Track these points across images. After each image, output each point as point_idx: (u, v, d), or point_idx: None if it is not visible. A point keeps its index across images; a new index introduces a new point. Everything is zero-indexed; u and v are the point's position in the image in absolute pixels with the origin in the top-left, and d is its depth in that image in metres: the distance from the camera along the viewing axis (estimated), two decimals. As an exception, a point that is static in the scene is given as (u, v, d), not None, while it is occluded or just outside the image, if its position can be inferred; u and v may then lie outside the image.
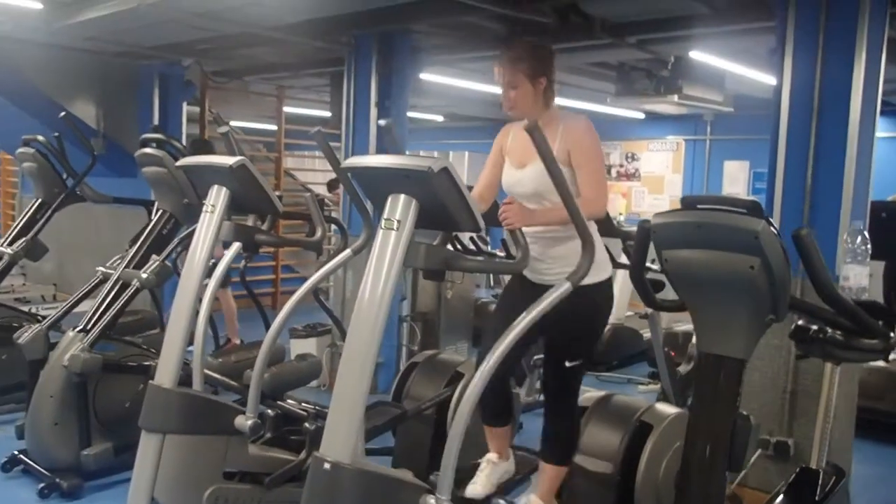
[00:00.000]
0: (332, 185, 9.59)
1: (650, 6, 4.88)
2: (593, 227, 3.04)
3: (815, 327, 2.50)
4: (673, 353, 5.32)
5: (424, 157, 2.43)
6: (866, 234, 2.69)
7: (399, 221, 2.43)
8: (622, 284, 7.35)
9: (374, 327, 2.42)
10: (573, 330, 3.01)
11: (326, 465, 2.35)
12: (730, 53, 6.05)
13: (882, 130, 7.77)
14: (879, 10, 3.76)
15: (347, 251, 3.33)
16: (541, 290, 3.10)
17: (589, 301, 2.94)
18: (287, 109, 9.95)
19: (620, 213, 10.20)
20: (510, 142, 3.21)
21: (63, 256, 8.80)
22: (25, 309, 5.98)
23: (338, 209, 7.77)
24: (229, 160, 3.12)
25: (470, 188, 3.15)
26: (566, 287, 2.44)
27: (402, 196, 2.44)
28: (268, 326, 4.93)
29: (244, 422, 3.26)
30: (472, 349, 6.54)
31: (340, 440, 2.39)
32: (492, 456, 3.33)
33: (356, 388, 2.42)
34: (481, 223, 2.51)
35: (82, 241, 8.65)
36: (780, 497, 2.80)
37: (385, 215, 2.46)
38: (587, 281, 2.95)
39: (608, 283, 3.10)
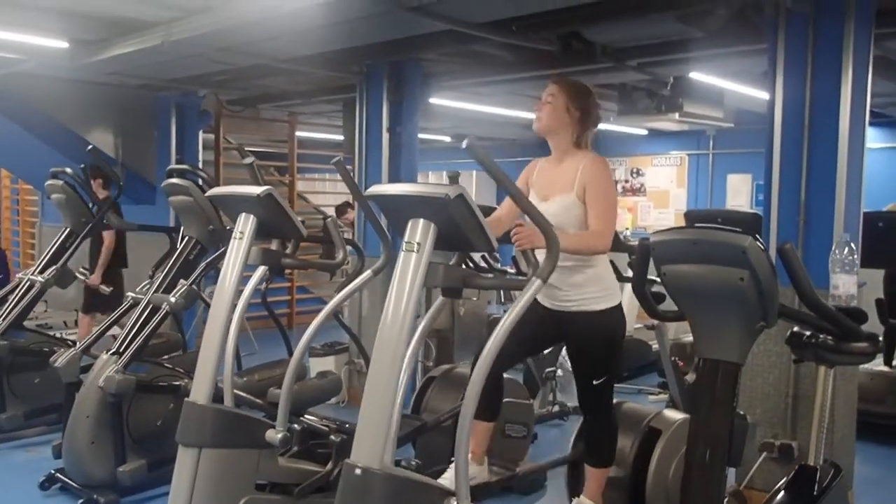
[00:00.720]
0: (340, 211, 9.83)
1: (648, 32, 5.09)
2: (603, 257, 3.27)
3: (808, 333, 2.70)
4: (682, 363, 5.47)
5: (441, 185, 2.64)
6: (853, 245, 2.88)
7: (419, 244, 2.64)
8: (630, 298, 7.54)
9: (398, 342, 2.62)
10: (594, 353, 3.27)
11: (357, 471, 2.55)
12: (727, 73, 6.27)
13: (875, 141, 7.99)
14: (864, 30, 3.96)
15: (368, 272, 3.52)
16: (557, 315, 3.32)
17: (604, 326, 3.25)
18: (298, 134, 10.21)
19: (627, 228, 10.37)
20: (535, 175, 3.42)
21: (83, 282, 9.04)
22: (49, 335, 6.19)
23: (350, 231, 7.99)
24: (256, 190, 3.34)
25: (489, 210, 3.38)
26: (538, 284, 2.55)
27: (422, 220, 2.65)
28: (288, 345, 5.15)
29: (275, 435, 3.42)
30: (485, 364, 6.71)
31: (369, 448, 2.59)
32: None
33: (383, 399, 2.62)
34: (494, 244, 2.73)
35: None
36: (781, 494, 2.97)
37: (406, 238, 2.67)
38: (601, 307, 3.22)
39: (619, 307, 3.34)
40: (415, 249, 2.64)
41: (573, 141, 3.27)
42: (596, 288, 3.24)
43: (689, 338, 6.83)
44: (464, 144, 2.56)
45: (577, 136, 3.26)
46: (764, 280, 2.22)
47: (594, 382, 3.25)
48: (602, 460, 3.41)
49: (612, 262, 3.51)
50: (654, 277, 2.99)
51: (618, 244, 4.22)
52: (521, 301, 2.58)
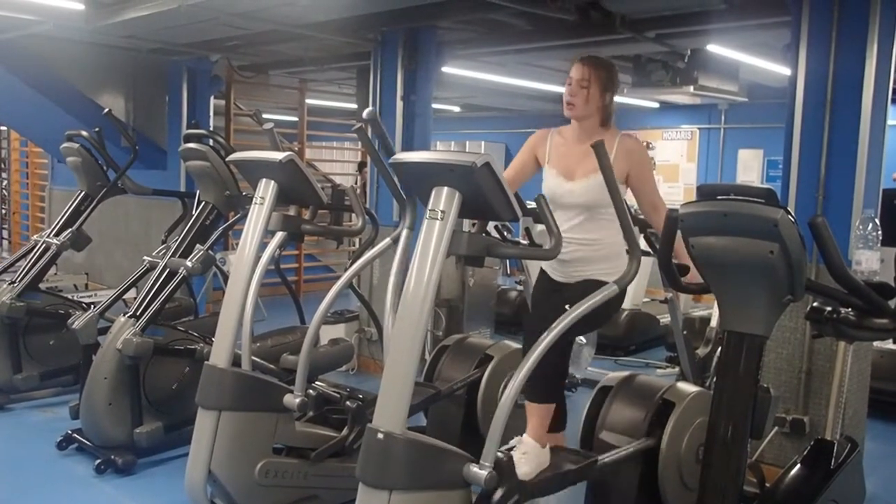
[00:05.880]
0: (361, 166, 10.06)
1: (669, 3, 5.04)
2: (619, 235, 3.25)
3: (829, 308, 2.70)
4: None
5: (466, 153, 2.63)
6: (877, 221, 2.88)
7: (443, 212, 2.64)
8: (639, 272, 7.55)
9: (421, 310, 2.63)
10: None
11: (380, 436, 2.58)
12: (746, 46, 6.21)
13: (893, 118, 7.94)
14: (890, 5, 3.92)
15: (387, 240, 3.53)
16: (567, 286, 3.30)
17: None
18: (308, 101, 10.16)
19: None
20: (550, 149, 3.35)
21: (93, 246, 9.05)
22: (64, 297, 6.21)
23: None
24: (278, 155, 3.34)
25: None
26: (613, 289, 2.70)
27: (446, 188, 2.64)
28: (300, 313, 5.18)
29: (293, 400, 3.46)
30: (494, 335, 6.74)
31: (391, 413, 2.62)
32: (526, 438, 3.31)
33: (405, 366, 2.64)
34: (519, 213, 2.73)
35: (112, 232, 8.91)
36: (798, 467, 3.00)
37: (430, 206, 2.67)
38: (612, 278, 3.15)
39: None
40: (439, 217, 2.65)
41: (601, 122, 3.25)
42: (612, 264, 3.21)
43: (698, 313, 6.91)
44: (592, 144, 2.67)
45: (606, 117, 3.25)
46: (794, 253, 2.23)
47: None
48: (547, 396, 3.31)
49: None
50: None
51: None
52: (590, 302, 2.70)
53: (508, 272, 9.97)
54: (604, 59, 3.32)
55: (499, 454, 2.70)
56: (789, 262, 2.25)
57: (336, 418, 3.93)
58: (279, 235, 3.73)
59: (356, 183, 11.28)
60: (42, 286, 5.63)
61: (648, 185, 3.27)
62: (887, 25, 3.93)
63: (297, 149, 10.12)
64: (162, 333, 4.44)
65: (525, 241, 5.75)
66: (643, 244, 4.52)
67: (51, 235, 5.40)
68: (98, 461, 4.21)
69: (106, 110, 5.37)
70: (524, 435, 3.29)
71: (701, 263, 2.53)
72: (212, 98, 8.37)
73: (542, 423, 3.29)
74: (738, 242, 2.33)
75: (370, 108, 3.38)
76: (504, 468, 2.67)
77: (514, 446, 3.27)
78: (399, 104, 6.08)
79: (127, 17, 5.37)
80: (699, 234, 2.46)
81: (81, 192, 5.52)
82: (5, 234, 13.30)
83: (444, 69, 6.94)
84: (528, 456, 3.16)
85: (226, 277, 5.31)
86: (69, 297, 6.09)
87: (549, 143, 3.37)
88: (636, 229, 3.77)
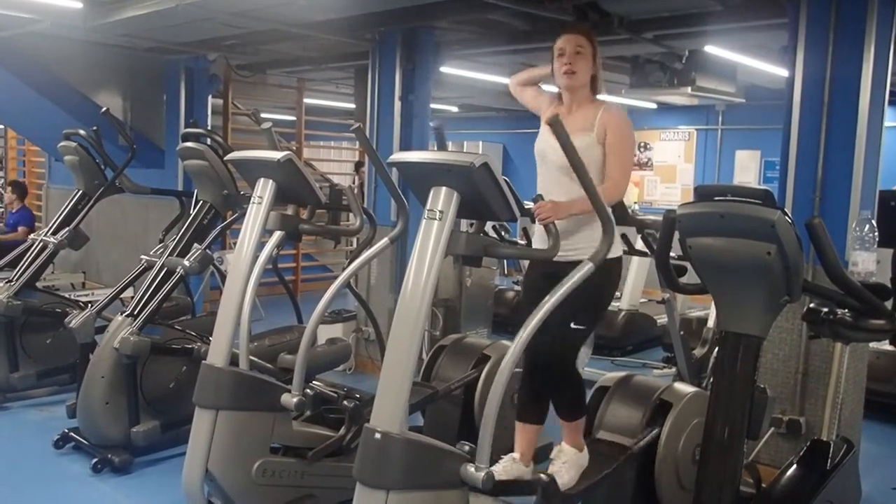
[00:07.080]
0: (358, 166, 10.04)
1: (666, 4, 5.05)
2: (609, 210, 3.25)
3: (825, 309, 2.71)
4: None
5: (466, 153, 2.64)
6: (874, 222, 2.88)
7: (441, 212, 2.64)
8: (637, 272, 7.57)
9: (419, 310, 2.63)
10: (583, 298, 3.04)
11: (377, 435, 2.58)
12: (743, 48, 6.22)
13: (891, 121, 7.96)
14: (887, 7, 3.93)
15: (385, 240, 3.54)
16: (558, 265, 3.28)
17: (600, 274, 3.02)
18: (306, 100, 10.15)
19: (635, 202, 10.36)
20: (550, 112, 3.32)
21: (90, 245, 9.04)
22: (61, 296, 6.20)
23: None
24: (277, 155, 3.34)
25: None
26: (589, 267, 2.63)
27: (444, 188, 2.65)
28: (298, 313, 5.18)
29: (290, 399, 3.46)
30: (491, 335, 6.75)
31: (388, 413, 2.62)
32: (515, 454, 3.35)
33: (403, 366, 2.64)
34: (517, 213, 2.73)
35: (109, 231, 8.90)
36: (794, 467, 3.01)
37: (428, 206, 2.67)
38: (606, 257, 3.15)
39: (618, 261, 3.23)
40: (437, 217, 2.65)
41: (593, 90, 3.25)
42: (595, 235, 3.17)
43: (695, 314, 6.92)
44: (547, 120, 2.58)
45: (597, 86, 3.25)
46: (791, 254, 2.23)
47: (572, 325, 3.10)
48: (576, 414, 3.31)
49: (623, 236, 3.47)
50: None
51: (626, 217, 4.20)
52: (567, 285, 2.61)
53: (506, 272, 10.01)
54: (591, 29, 3.36)
55: (542, 476, 2.81)
56: (786, 263, 2.26)
57: (333, 418, 3.93)
58: (277, 235, 3.72)
59: (354, 182, 11.29)
60: (39, 285, 5.63)
61: (615, 157, 3.11)
62: (884, 28, 3.94)
63: (294, 148, 10.11)
64: (159, 332, 4.43)
65: (522, 242, 5.77)
66: (640, 245, 4.56)
67: (48, 234, 5.40)
68: (95, 460, 4.21)
69: (104, 109, 5.36)
70: (563, 443, 3.31)
71: (698, 264, 2.54)
72: (210, 97, 8.34)
73: (579, 430, 3.33)
74: (736, 243, 2.33)
75: (440, 120, 3.37)
76: (548, 489, 2.73)
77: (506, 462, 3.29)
78: (397, 104, 6.09)
79: (125, 15, 5.36)
80: (696, 235, 2.46)
81: (79, 190, 5.51)
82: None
83: (442, 69, 6.95)
84: (568, 464, 3.22)
85: (223, 277, 5.31)
86: (66, 295, 6.09)
87: (552, 106, 3.38)
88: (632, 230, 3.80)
